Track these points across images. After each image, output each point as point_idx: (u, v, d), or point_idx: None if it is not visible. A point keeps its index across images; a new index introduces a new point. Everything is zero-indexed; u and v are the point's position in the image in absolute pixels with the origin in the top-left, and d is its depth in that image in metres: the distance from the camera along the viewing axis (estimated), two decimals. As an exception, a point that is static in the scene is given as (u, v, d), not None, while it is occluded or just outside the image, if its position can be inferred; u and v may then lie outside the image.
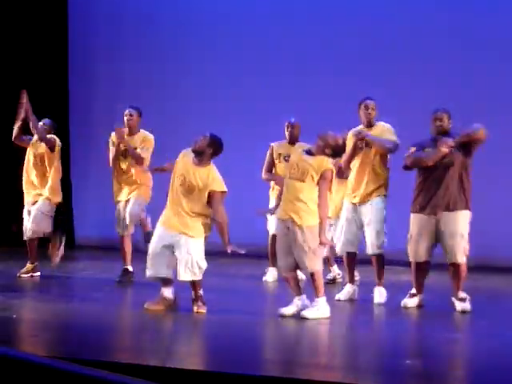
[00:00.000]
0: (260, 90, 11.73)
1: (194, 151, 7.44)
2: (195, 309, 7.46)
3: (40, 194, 9.33)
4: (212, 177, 7.41)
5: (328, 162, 7.27)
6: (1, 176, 12.29)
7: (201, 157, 7.43)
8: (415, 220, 7.79)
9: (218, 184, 7.42)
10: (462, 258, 7.64)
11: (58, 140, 9.41)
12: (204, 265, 7.44)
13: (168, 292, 7.62)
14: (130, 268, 9.15)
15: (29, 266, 9.31)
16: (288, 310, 7.35)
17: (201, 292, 7.52)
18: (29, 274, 9.25)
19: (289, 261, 7.33)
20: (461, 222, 7.66)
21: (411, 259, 7.83)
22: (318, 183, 7.24)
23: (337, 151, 7.32)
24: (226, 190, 7.44)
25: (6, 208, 12.08)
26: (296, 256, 7.27)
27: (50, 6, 12.49)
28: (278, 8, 11.95)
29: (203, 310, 7.45)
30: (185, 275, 7.43)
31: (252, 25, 12.01)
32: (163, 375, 5.20)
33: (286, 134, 9.39)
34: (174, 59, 12.19)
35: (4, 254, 10.94)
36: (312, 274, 7.30)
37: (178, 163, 7.52)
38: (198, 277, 7.46)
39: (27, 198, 9.44)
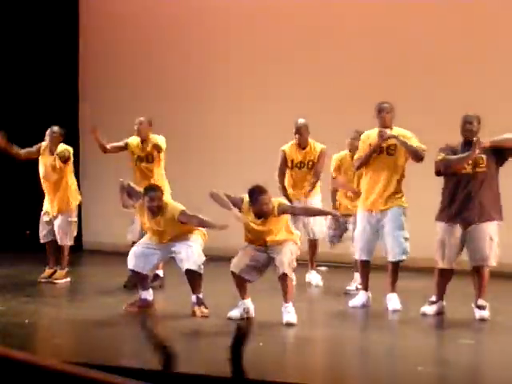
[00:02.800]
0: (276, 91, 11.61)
1: (152, 211, 7.64)
2: (198, 313, 7.44)
3: (60, 203, 9.35)
4: (170, 213, 7.61)
5: (274, 203, 7.26)
6: (15, 182, 12.26)
7: (159, 211, 7.64)
8: (443, 228, 7.66)
9: (176, 210, 7.62)
10: (492, 262, 7.55)
11: (70, 151, 9.39)
12: (203, 259, 7.51)
13: (146, 294, 7.70)
14: None
15: (48, 270, 9.36)
16: (235, 313, 7.28)
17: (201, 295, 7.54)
18: (50, 279, 9.28)
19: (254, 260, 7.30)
20: (490, 228, 7.55)
21: (439, 265, 7.71)
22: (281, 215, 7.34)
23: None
24: (182, 208, 7.64)
25: (20, 213, 12.05)
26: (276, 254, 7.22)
27: (61, 11, 12.48)
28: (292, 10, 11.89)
29: (207, 313, 7.43)
30: (188, 264, 7.45)
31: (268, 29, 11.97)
32: (168, 380, 5.15)
33: (295, 136, 9.26)
34: (192, 67, 12.13)
35: (17, 259, 10.92)
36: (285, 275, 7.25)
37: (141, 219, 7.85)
38: (200, 270, 7.48)
39: (46, 205, 9.44)
